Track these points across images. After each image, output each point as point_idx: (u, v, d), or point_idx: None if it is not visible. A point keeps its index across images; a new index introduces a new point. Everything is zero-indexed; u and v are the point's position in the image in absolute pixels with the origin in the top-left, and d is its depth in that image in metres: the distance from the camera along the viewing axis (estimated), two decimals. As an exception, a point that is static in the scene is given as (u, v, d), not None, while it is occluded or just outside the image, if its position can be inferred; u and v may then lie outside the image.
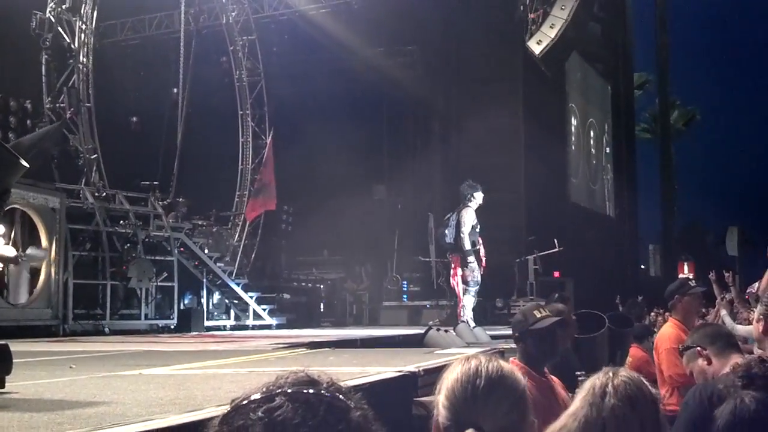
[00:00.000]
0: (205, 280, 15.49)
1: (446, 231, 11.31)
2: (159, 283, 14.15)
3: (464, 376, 1.88)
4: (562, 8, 20.21)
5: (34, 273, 12.52)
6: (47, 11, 14.97)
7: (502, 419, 1.82)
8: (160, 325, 14.15)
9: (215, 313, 15.84)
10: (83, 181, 14.54)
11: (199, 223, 16.24)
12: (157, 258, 14.25)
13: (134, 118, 16.91)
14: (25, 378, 4.74)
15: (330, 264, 19.04)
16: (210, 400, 3.54)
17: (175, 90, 16.33)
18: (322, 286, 18.51)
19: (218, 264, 15.78)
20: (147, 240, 14.22)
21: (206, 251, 15.67)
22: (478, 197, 11.52)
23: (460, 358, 1.95)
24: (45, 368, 6.03)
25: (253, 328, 15.35)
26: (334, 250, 19.10)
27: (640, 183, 28.51)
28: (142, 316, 13.92)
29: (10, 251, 12.11)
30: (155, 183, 15.20)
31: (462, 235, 11.11)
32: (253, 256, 17.59)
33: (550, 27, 20.21)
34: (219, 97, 18.47)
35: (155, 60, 17.75)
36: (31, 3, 15.06)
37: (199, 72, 16.48)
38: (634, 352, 6.92)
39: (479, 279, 11.30)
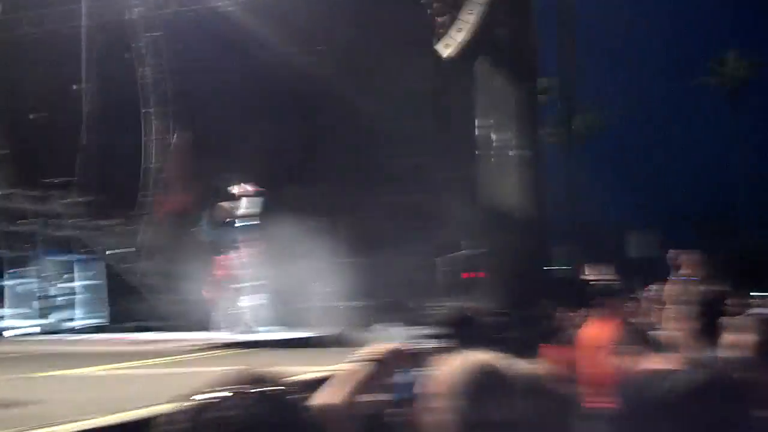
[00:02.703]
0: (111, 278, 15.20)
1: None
2: (77, 282, 13.95)
3: (467, 372, 1.89)
4: (469, 13, 20.53)
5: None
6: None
7: (511, 410, 1.84)
8: (78, 326, 13.88)
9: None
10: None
11: (105, 223, 15.87)
12: (65, 258, 13.99)
13: (37, 115, 16.47)
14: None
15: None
16: (135, 401, 3.52)
17: (76, 86, 15.98)
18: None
19: (123, 264, 15.46)
20: (54, 239, 13.91)
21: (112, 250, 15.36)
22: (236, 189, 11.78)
23: (452, 354, 1.97)
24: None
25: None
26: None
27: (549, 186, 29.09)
28: (59, 316, 13.63)
29: None
30: (60, 180, 14.84)
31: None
32: (157, 255, 17.29)
33: (458, 31, 20.50)
34: (124, 94, 18.09)
35: (60, 55, 17.28)
36: None
37: (104, 68, 16.13)
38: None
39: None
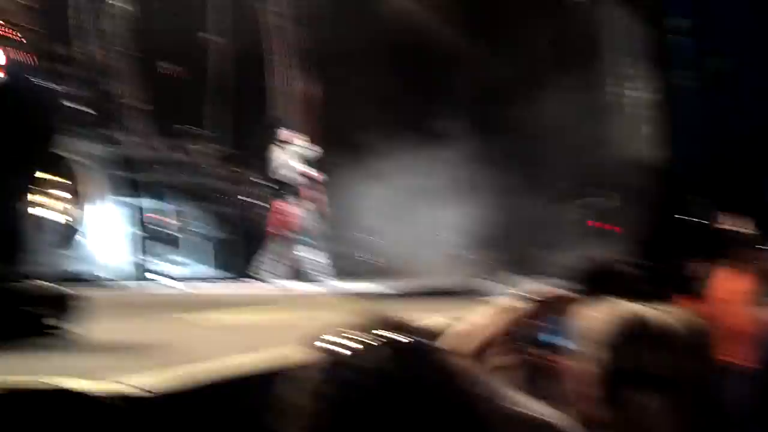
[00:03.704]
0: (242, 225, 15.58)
1: None
2: (213, 233, 14.39)
3: (623, 322, 1.87)
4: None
5: (90, 221, 12.72)
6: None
7: (672, 363, 1.82)
8: (216, 275, 14.32)
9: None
10: (123, 127, 14.65)
11: (235, 170, 16.30)
12: (207, 207, 14.48)
13: (169, 64, 16.89)
14: (91, 322, 4.83)
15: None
16: (275, 344, 3.63)
17: (209, 35, 16.30)
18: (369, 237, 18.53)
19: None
20: (196, 189, 14.41)
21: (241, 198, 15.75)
22: (286, 134, 11.97)
23: (600, 303, 1.94)
24: (109, 313, 6.13)
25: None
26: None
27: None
28: (198, 265, 14.16)
29: (65, 201, 12.37)
30: (192, 128, 15.30)
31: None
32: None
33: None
34: (252, 42, 18.35)
35: (188, 6, 17.64)
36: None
37: (236, 17, 16.42)
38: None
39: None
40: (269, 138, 12.48)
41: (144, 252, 13.35)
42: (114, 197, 12.98)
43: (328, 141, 17.42)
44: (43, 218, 11.64)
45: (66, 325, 4.41)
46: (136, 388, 2.39)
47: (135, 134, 14.53)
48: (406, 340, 1.24)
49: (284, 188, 12.14)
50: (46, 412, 2.29)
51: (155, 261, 13.37)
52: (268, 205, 12.78)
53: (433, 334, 1.29)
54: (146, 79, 15.59)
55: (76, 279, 11.75)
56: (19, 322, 4.29)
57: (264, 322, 5.42)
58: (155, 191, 13.87)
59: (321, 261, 12.83)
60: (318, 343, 1.25)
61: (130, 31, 15.08)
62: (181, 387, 2.57)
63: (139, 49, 15.15)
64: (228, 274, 14.18)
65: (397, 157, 13.96)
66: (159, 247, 13.55)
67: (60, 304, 4.52)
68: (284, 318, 5.59)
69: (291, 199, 12.08)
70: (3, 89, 4.37)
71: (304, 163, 12.48)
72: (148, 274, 13.05)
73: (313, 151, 12.82)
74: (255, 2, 18.38)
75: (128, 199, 13.29)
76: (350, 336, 1.24)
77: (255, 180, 14.34)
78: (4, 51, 4.42)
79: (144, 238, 13.41)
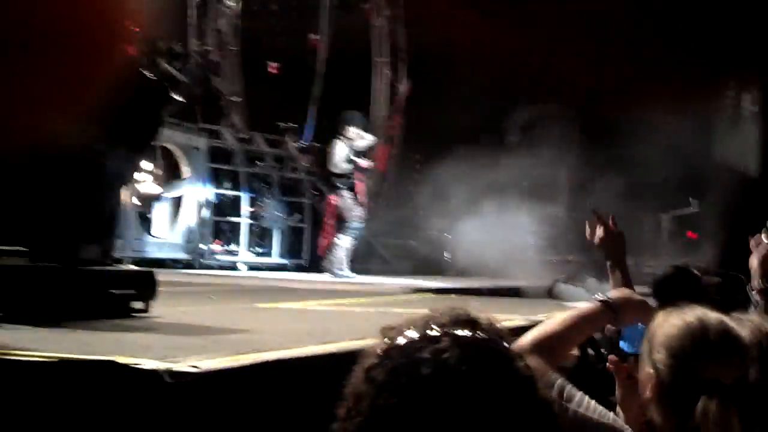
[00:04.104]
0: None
1: None
2: (292, 224, 14.55)
3: (690, 329, 1.82)
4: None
5: (175, 208, 13.12)
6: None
7: (739, 372, 1.76)
8: (291, 265, 14.54)
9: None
10: (224, 122, 15.04)
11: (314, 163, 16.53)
12: (291, 200, 14.68)
13: (274, 63, 17.20)
14: (169, 305, 4.99)
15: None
16: (345, 334, 3.67)
17: (314, 35, 16.52)
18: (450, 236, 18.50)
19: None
20: (282, 181, 14.66)
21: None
22: (352, 133, 11.57)
23: (670, 311, 1.89)
24: (186, 297, 6.33)
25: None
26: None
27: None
28: (274, 255, 14.36)
29: (155, 189, 12.75)
30: (293, 125, 15.57)
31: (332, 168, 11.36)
32: (382, 203, 17.76)
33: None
34: (357, 44, 18.53)
35: (298, 4, 17.95)
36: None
37: (339, 17, 16.62)
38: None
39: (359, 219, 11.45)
40: (336, 132, 12.67)
41: (227, 241, 13.72)
42: (204, 186, 13.31)
43: (417, 140, 17.50)
44: (136, 204, 12.07)
45: (148, 307, 4.55)
46: (194, 367, 2.44)
47: (233, 127, 14.92)
48: (479, 337, 1.21)
49: (341, 181, 12.28)
50: (102, 386, 2.38)
51: (237, 249, 13.71)
52: (327, 198, 12.99)
53: (507, 334, 1.26)
54: (248, 75, 15.98)
55: (162, 263, 12.23)
56: (106, 302, 4.44)
57: (335, 312, 5.47)
58: (243, 182, 14.15)
59: (379, 252, 12.82)
60: (390, 336, 1.23)
61: (237, 30, 15.48)
62: (242, 370, 2.61)
63: (245, 47, 15.54)
64: (301, 263, 14.44)
65: (486, 158, 13.89)
66: (242, 237, 13.85)
67: (145, 287, 4.65)
68: (356, 309, 5.64)
69: (346, 191, 12.22)
70: (123, 83, 4.51)
71: (361, 156, 12.58)
72: (228, 262, 13.42)
73: (370, 143, 12.93)
74: (363, 7, 18.66)
75: (217, 189, 13.61)
76: (422, 330, 1.22)
77: (320, 173, 14.49)
78: (124, 47, 4.60)
79: (225, 226, 13.74)
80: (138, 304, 4.58)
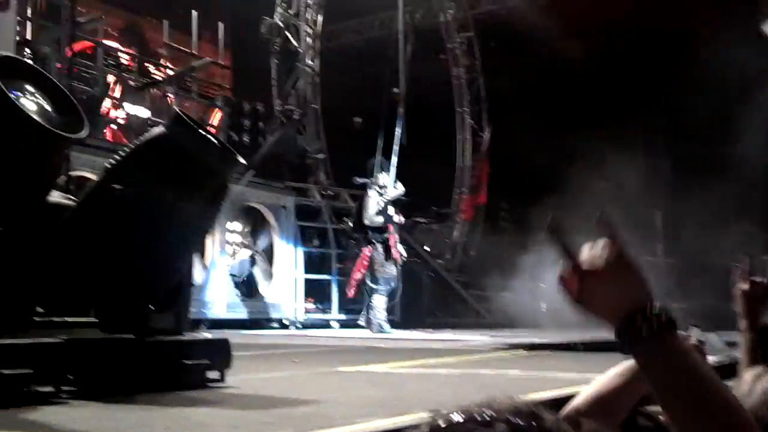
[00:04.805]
0: (423, 276, 15.61)
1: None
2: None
3: None
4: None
5: (267, 268, 13.17)
6: (276, 17, 15.67)
7: None
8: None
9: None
10: (311, 179, 15.15)
11: (419, 220, 16.43)
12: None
13: (357, 118, 17.33)
14: (248, 372, 4.90)
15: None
16: (418, 404, 3.49)
17: (395, 89, 16.55)
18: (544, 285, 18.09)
19: (438, 261, 15.87)
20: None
21: (426, 248, 15.81)
22: (383, 179, 11.11)
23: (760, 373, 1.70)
24: (269, 362, 6.24)
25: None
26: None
27: None
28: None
29: (245, 251, 12.89)
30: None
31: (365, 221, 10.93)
32: (471, 253, 17.54)
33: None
34: (436, 95, 18.54)
35: (375, 60, 18.15)
36: (261, 10, 15.80)
37: (415, 70, 16.62)
38: None
39: (391, 276, 10.90)
40: (367, 185, 12.39)
41: (319, 300, 13.64)
42: (293, 245, 13.29)
43: (499, 189, 17.26)
44: (228, 265, 12.14)
45: (223, 376, 4.46)
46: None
47: (318, 184, 15.00)
48: (538, 427, 1.08)
49: (375, 236, 11.95)
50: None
51: (330, 306, 13.60)
52: (362, 250, 12.48)
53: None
54: (335, 132, 16.14)
55: (257, 323, 12.21)
56: (179, 374, 4.36)
57: (417, 375, 5.27)
58: (331, 239, 14.08)
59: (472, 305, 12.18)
60: (438, 417, 1.11)
61: (317, 88, 15.65)
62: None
63: (326, 104, 15.72)
64: (393, 318, 14.18)
65: (567, 204, 13.55)
66: (333, 294, 13.72)
67: (220, 356, 4.57)
68: (441, 371, 5.43)
69: (381, 246, 11.86)
70: (196, 147, 4.41)
71: (392, 208, 12.23)
72: (320, 320, 13.31)
73: (401, 193, 12.54)
74: (444, 54, 18.68)
75: (299, 247, 13.58)
76: (475, 414, 1.09)
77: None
78: (204, 110, 4.57)
79: (315, 284, 13.64)
80: (213, 373, 4.51)
